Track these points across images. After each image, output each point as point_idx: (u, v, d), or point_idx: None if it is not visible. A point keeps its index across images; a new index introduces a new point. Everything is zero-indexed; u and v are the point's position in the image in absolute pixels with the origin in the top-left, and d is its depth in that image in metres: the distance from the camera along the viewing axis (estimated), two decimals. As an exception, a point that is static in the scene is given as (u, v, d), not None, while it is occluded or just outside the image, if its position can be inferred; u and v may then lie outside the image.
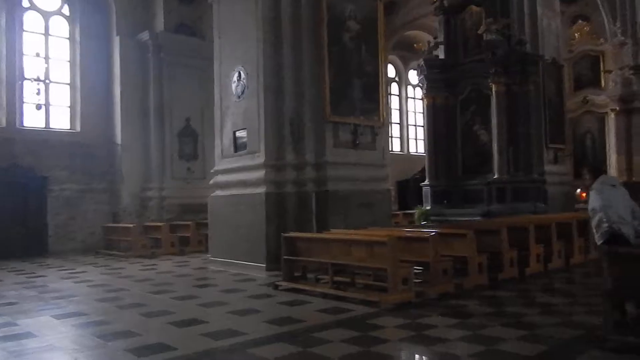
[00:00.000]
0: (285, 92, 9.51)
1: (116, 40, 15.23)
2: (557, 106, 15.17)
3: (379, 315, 5.30)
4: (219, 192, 10.54)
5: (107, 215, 14.96)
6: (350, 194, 9.52)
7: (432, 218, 14.10)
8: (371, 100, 10.14)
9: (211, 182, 10.96)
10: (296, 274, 7.36)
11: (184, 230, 13.21)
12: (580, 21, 19.95)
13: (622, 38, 18.19)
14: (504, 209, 13.15)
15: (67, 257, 12.68)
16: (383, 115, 10.47)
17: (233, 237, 9.83)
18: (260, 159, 9.50)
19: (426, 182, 14.97)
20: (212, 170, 11.06)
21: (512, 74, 13.57)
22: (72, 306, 6.36)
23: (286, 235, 7.43)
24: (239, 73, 9.99)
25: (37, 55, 14.49)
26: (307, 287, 6.84)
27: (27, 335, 4.95)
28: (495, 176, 13.52)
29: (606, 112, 18.95)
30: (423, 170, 20.44)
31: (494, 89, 13.68)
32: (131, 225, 12.73)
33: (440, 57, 15.05)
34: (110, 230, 13.63)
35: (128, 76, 15.13)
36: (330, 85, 9.54)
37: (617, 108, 18.50)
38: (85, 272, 9.85)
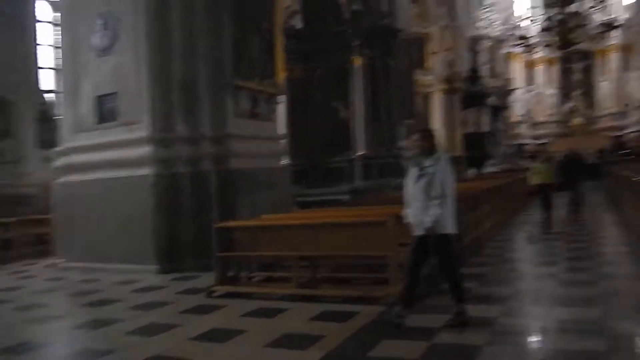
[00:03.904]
0: (173, 45, 7.53)
1: None
2: (408, 82, 15.71)
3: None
4: (73, 177, 8.02)
5: None
6: (255, 172, 8.06)
7: (298, 199, 13.32)
8: (267, 62, 8.70)
9: (57, 164, 8.30)
10: (229, 274, 5.76)
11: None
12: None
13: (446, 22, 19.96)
14: (372, 185, 13.03)
15: None
16: (279, 81, 9.22)
17: (99, 235, 7.56)
18: (142, 131, 7.41)
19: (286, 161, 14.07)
20: (57, 149, 8.38)
21: (375, 48, 13.46)
22: None
23: (219, 225, 5.74)
24: (104, 19, 7.63)
25: None
26: (257, 290, 5.38)
27: None
28: (360, 152, 13.34)
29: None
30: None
31: (359, 63, 13.41)
32: None
33: (297, 27, 14.21)
34: None
35: None
36: (232, 39, 7.88)
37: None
38: None
